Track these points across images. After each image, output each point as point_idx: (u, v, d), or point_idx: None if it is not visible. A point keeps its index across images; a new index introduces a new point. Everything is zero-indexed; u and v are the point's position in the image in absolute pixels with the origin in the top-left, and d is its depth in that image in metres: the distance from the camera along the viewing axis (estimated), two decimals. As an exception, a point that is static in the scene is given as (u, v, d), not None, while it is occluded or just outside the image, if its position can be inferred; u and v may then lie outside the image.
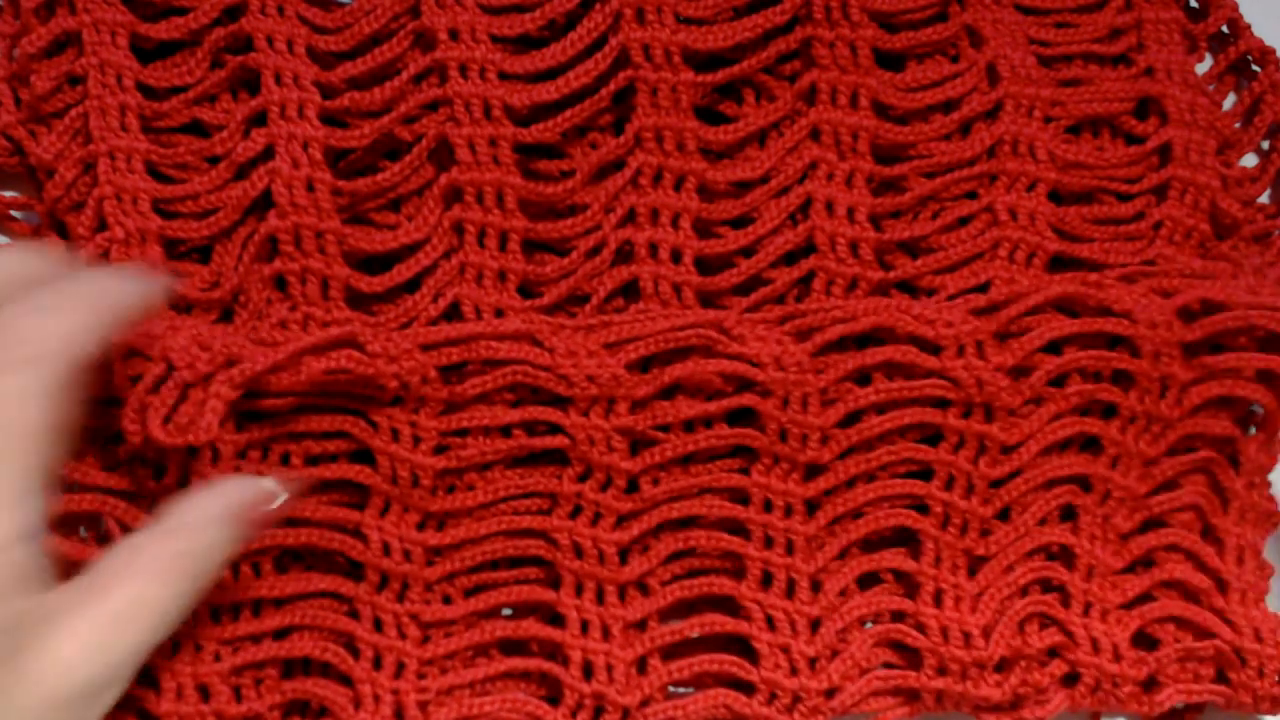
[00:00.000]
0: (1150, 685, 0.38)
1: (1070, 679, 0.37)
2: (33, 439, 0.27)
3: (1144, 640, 0.38)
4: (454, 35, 0.38)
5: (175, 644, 0.34)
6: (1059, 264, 0.40)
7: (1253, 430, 0.39)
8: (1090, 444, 0.38)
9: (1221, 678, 0.38)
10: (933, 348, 0.36)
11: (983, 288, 0.39)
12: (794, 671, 0.36)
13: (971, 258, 0.39)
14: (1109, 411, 0.37)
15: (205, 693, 0.34)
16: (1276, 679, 0.38)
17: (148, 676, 0.34)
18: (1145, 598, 0.38)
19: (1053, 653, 0.37)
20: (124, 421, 0.28)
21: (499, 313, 0.37)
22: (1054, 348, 0.37)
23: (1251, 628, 0.38)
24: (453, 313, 0.38)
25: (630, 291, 0.38)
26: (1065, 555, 0.38)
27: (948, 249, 0.39)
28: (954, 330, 0.36)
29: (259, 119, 0.38)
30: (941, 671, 0.36)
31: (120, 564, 0.28)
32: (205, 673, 0.34)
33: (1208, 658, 0.38)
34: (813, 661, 0.36)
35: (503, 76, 0.38)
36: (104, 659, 0.27)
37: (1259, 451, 0.39)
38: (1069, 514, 0.38)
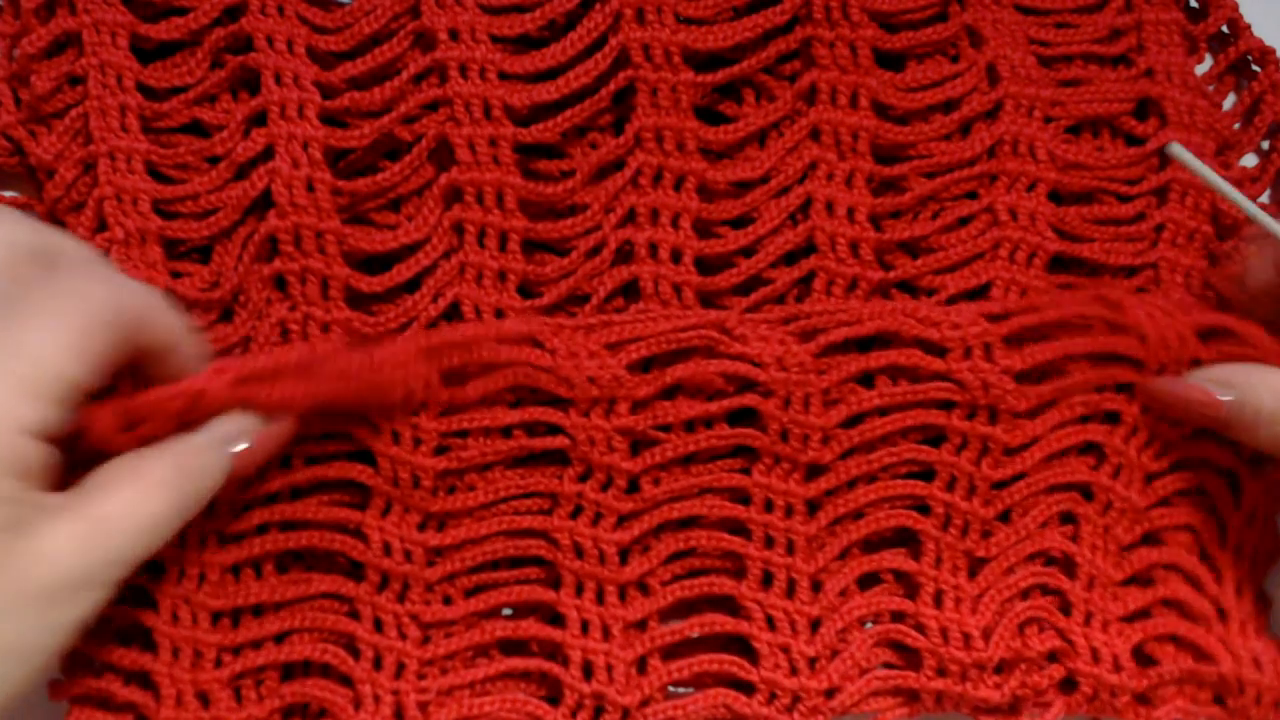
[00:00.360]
0: (1145, 700, 0.37)
1: (1067, 684, 0.37)
2: (67, 355, 0.27)
3: (1141, 658, 0.38)
4: (454, 35, 0.38)
5: (176, 650, 0.34)
6: (1059, 264, 0.40)
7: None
8: (1093, 451, 0.38)
9: (1218, 701, 0.38)
10: (938, 350, 0.36)
11: (983, 288, 0.39)
12: (794, 671, 0.36)
13: (972, 258, 0.39)
14: (1112, 418, 0.37)
15: (205, 699, 0.34)
16: (1274, 707, 0.37)
17: (148, 682, 0.34)
18: (1145, 613, 0.38)
19: (1051, 657, 0.37)
20: (103, 435, 0.28)
21: (499, 313, 0.37)
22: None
23: (1251, 656, 0.38)
24: (453, 313, 0.38)
25: (630, 291, 0.38)
26: (1066, 563, 0.38)
27: (948, 249, 0.39)
28: (960, 332, 0.36)
29: (259, 119, 0.38)
30: (941, 672, 0.36)
31: (118, 473, 0.29)
32: (206, 680, 0.34)
33: (1208, 682, 0.37)
34: (813, 661, 0.36)
35: (503, 76, 0.38)
36: (86, 559, 0.27)
37: (1264, 493, 0.38)
38: (1069, 520, 0.38)
